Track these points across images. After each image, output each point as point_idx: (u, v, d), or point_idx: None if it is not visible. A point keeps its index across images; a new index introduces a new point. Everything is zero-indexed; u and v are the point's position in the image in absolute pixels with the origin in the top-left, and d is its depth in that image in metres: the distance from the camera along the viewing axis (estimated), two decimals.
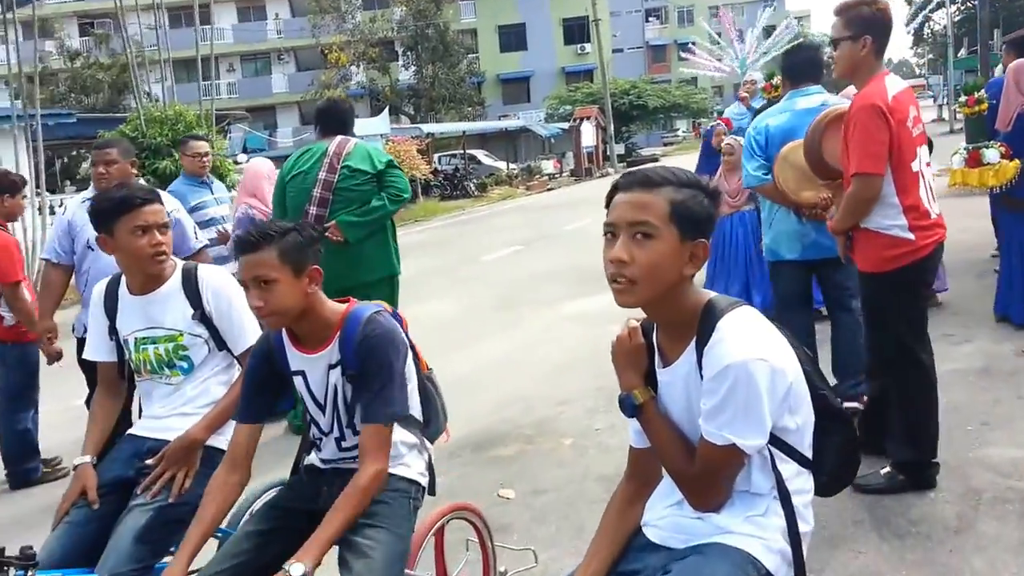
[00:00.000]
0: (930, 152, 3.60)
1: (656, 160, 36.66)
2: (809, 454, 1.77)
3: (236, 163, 16.29)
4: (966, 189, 6.48)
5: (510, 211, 22.34)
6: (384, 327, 2.27)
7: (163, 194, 4.88)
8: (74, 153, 25.15)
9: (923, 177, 3.32)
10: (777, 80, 5.76)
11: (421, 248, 15.28)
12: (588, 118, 32.23)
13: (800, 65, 4.45)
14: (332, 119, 5.07)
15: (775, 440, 1.69)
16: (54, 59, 38.38)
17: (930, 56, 65.57)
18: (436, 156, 33.40)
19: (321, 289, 2.31)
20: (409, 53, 40.84)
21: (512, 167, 34.15)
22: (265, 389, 2.38)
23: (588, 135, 32.34)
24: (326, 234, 4.78)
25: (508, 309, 8.46)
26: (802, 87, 4.35)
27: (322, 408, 2.34)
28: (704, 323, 1.69)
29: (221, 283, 2.78)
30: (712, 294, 1.75)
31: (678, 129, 50.39)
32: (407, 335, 2.44)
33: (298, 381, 2.35)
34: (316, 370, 2.32)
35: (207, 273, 2.81)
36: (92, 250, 4.21)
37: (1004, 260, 5.76)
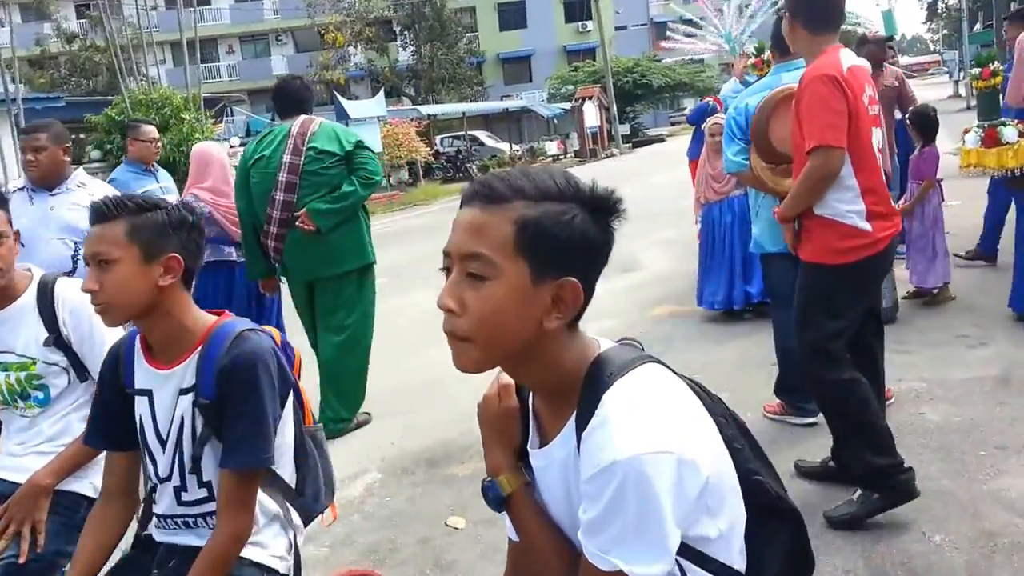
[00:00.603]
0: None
1: (663, 140, 36.00)
2: (740, 564, 1.25)
3: (231, 148, 15.96)
4: (979, 171, 5.97)
5: None
6: (256, 348, 1.80)
7: (105, 187, 4.52)
8: (79, 136, 24.94)
9: (879, 161, 3.02)
10: (768, 55, 5.24)
11: (417, 234, 14.81)
12: (590, 98, 31.57)
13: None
14: (287, 99, 4.74)
15: (689, 552, 1.19)
16: (52, 42, 37.97)
17: (944, 31, 64.31)
18: (438, 138, 32.96)
19: (180, 288, 1.87)
20: (406, 33, 40.16)
21: (515, 148, 33.58)
22: (115, 408, 1.91)
23: (591, 115, 31.71)
24: (297, 224, 4.52)
25: None
26: (790, 59, 3.94)
27: (163, 443, 1.85)
28: (586, 393, 1.19)
29: (81, 300, 2.28)
30: (607, 347, 1.25)
31: (685, 108, 49.44)
32: (294, 375, 1.96)
33: (142, 404, 1.87)
34: (165, 392, 1.85)
35: (64, 288, 2.35)
36: (23, 246, 3.85)
37: (1018, 250, 5.24)
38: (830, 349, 3.07)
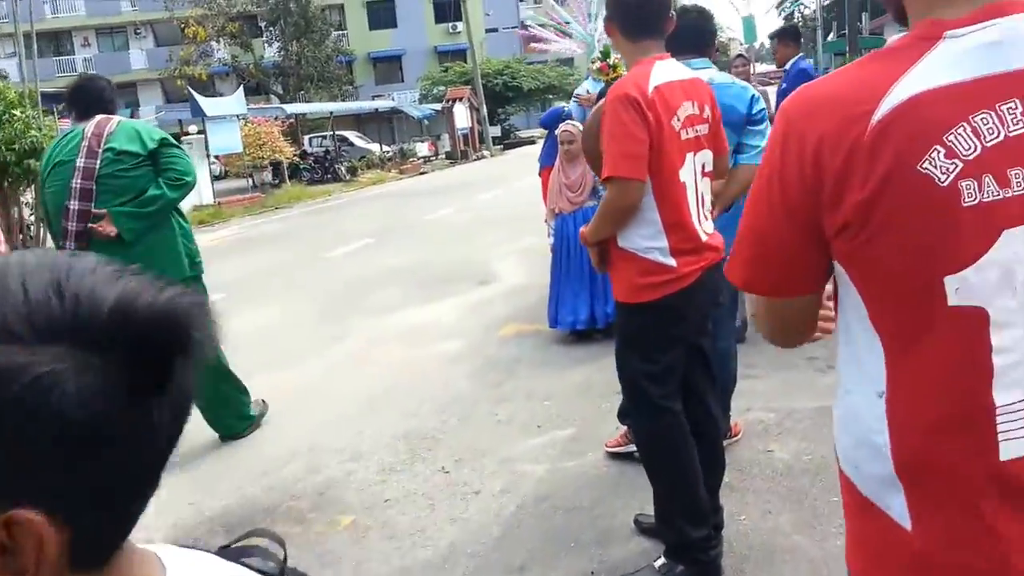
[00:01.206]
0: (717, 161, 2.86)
1: (534, 142, 35.93)
2: None
3: None
4: None
5: (376, 198, 21.08)
6: None
7: None
8: None
9: (695, 190, 2.69)
10: (614, 59, 4.86)
11: (267, 242, 13.91)
12: (461, 99, 31.21)
13: (682, 32, 3.60)
14: (84, 97, 4.27)
15: None
16: None
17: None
18: (307, 138, 31.88)
19: None
20: (272, 29, 38.68)
21: (386, 150, 32.77)
22: None
23: (462, 117, 31.37)
24: (94, 227, 4.01)
25: (334, 320, 7.34)
26: (683, 58, 3.46)
27: None
28: None
29: None
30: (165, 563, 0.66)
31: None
32: None
33: None
34: None
35: None
36: None
37: None
38: (648, 392, 2.77)
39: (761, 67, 25.90)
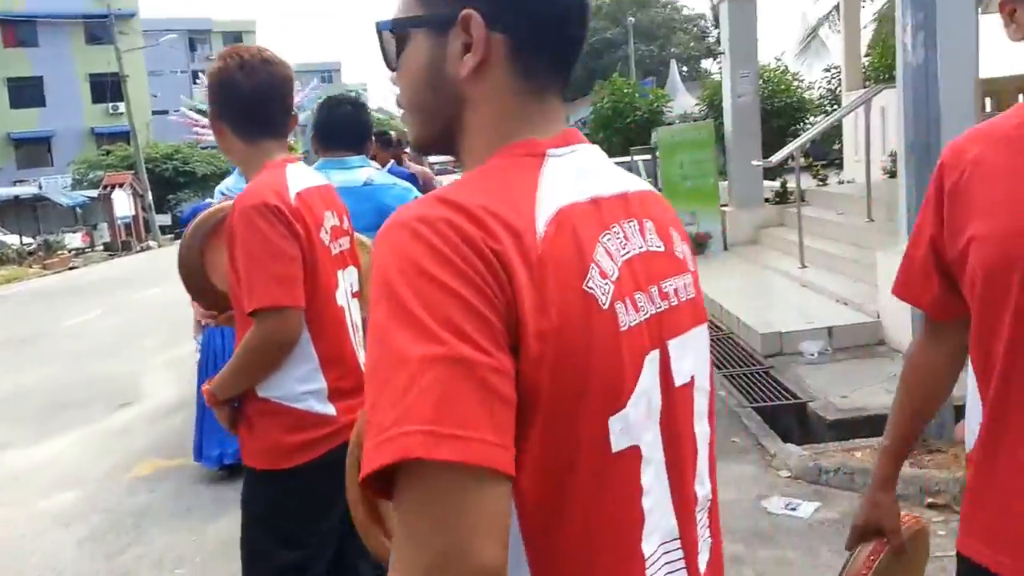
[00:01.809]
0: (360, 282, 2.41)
1: None
2: None
3: None
4: None
5: (4, 300, 18.12)
6: None
7: None
8: None
9: (350, 314, 2.26)
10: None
11: None
12: (122, 185, 28.57)
13: (333, 124, 3.19)
14: None
15: None
16: None
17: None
18: None
19: None
20: None
21: (28, 242, 28.86)
22: None
23: (123, 204, 28.69)
24: None
25: None
26: (337, 155, 3.15)
27: None
28: None
29: None
30: None
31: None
32: None
33: None
34: None
35: None
36: None
37: None
38: None
39: (435, 157, 26.68)
